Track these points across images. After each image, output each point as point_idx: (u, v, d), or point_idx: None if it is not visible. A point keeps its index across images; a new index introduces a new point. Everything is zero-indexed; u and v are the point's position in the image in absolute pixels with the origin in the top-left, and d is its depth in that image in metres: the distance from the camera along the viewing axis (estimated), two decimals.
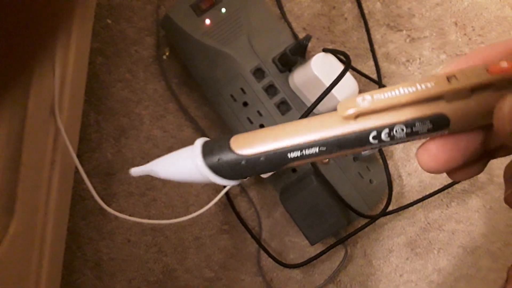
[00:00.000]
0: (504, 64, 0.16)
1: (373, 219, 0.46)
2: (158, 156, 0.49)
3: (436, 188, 0.48)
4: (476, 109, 0.17)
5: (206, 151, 0.19)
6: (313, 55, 0.42)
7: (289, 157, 0.18)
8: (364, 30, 0.49)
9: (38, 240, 0.32)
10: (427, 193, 0.48)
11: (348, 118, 0.18)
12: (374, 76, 0.49)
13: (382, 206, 0.47)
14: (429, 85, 0.17)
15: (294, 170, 0.44)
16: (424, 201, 0.48)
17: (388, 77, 0.49)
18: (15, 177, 0.28)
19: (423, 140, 0.19)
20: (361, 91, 0.46)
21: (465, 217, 0.49)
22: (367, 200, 0.45)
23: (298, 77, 0.42)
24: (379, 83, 0.48)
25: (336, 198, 0.44)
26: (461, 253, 0.49)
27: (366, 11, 0.48)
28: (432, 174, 0.49)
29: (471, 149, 0.18)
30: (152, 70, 0.46)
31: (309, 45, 0.46)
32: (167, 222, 0.41)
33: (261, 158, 0.19)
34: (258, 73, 0.43)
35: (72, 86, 0.35)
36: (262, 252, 0.47)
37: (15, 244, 0.28)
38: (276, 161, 0.19)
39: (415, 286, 0.49)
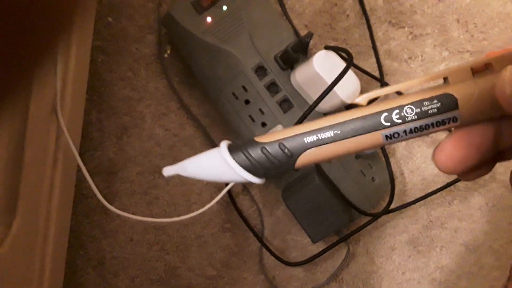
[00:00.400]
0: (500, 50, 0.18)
1: (375, 217, 0.46)
2: (160, 154, 0.49)
3: (439, 186, 0.48)
4: (480, 88, 0.18)
5: (232, 147, 0.20)
6: (315, 53, 0.41)
7: (306, 141, 0.19)
8: (366, 27, 0.48)
9: (40, 239, 0.32)
10: (430, 190, 0.48)
11: (360, 104, 0.19)
12: (376, 74, 0.48)
13: (384, 204, 0.47)
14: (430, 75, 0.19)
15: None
16: (427, 199, 0.48)
17: (390, 74, 0.49)
18: (17, 176, 0.28)
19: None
20: (363, 88, 0.46)
21: (467, 215, 0.49)
22: (369, 198, 0.45)
23: (300, 75, 0.42)
24: (381, 81, 0.48)
25: (338, 196, 0.43)
26: (464, 251, 0.49)
27: (367, 8, 0.48)
28: (435, 172, 0.49)
29: (484, 146, 0.19)
30: (154, 68, 0.46)
31: (311, 42, 0.46)
32: (170, 220, 0.41)
33: (280, 145, 0.19)
34: (260, 71, 0.43)
35: (74, 85, 0.35)
36: (264, 250, 0.47)
37: (18, 243, 0.28)
38: (294, 148, 0.19)
39: (418, 284, 0.49)
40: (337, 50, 0.42)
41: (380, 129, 0.19)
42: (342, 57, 0.43)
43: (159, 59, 0.46)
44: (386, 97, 0.20)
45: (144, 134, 0.46)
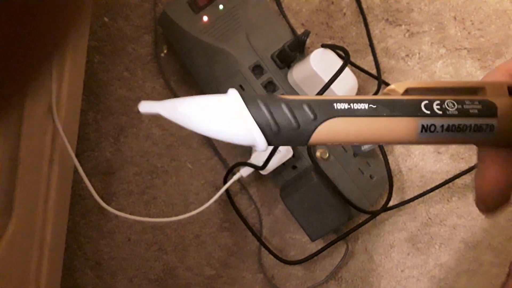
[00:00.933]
0: None
1: (374, 214, 0.46)
2: (158, 154, 0.49)
3: (437, 183, 0.48)
4: None
5: (247, 97, 0.17)
6: (312, 51, 0.41)
7: (336, 107, 0.17)
8: (362, 25, 0.48)
9: (37, 240, 0.32)
10: (428, 188, 0.48)
11: (395, 90, 0.18)
12: (374, 72, 0.48)
13: (382, 202, 0.47)
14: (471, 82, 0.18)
15: (294, 167, 0.44)
16: (425, 196, 0.48)
17: (387, 72, 0.49)
18: (12, 177, 0.28)
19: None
20: (360, 87, 0.46)
21: (466, 212, 0.49)
22: (367, 196, 0.45)
23: (297, 73, 0.42)
24: (379, 79, 0.48)
25: (336, 194, 0.43)
26: (463, 248, 0.49)
27: (364, 6, 0.48)
28: (433, 169, 0.49)
29: None
30: (150, 68, 0.46)
31: (308, 41, 0.46)
32: (167, 220, 0.41)
33: (306, 104, 0.17)
34: (257, 69, 0.43)
35: (70, 85, 0.34)
36: (263, 249, 0.47)
37: (14, 244, 0.28)
38: (321, 111, 0.17)
39: (417, 282, 0.49)
40: (334, 48, 0.42)
41: (419, 116, 0.17)
42: (339, 55, 0.42)
43: (155, 59, 0.46)
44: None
45: (141, 134, 0.46)
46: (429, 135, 0.17)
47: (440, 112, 0.17)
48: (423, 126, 0.17)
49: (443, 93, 0.18)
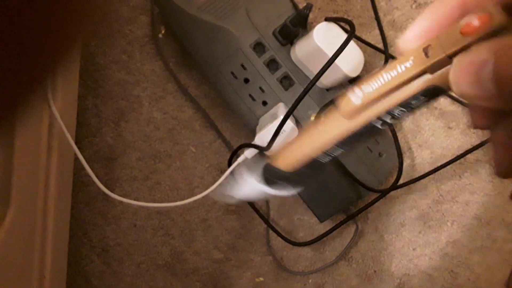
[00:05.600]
0: (475, 22, 0.15)
1: (383, 193, 0.45)
2: (160, 138, 0.48)
3: (448, 159, 0.47)
4: None
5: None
6: (315, 26, 0.40)
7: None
8: None
9: (39, 228, 0.32)
10: (439, 164, 0.47)
11: (349, 116, 0.19)
12: (380, 46, 0.47)
13: (392, 180, 0.45)
14: (408, 64, 0.17)
15: None
16: (436, 173, 0.47)
17: (394, 46, 0.47)
18: (8, 165, 0.27)
19: None
20: (366, 62, 0.44)
21: (478, 188, 0.48)
22: (376, 174, 0.44)
23: (300, 50, 0.41)
24: (385, 53, 0.46)
25: (344, 174, 0.42)
26: (476, 224, 0.48)
27: None
28: (444, 145, 0.47)
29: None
30: (148, 50, 0.45)
31: (311, 16, 0.44)
32: (173, 205, 0.41)
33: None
34: (259, 47, 0.41)
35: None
36: (271, 231, 0.46)
37: (13, 234, 0.27)
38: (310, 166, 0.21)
39: (429, 260, 0.48)
40: (338, 20, 0.40)
41: (379, 131, 0.19)
42: (344, 29, 0.41)
43: (153, 40, 0.45)
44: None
45: (142, 118, 0.45)
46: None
47: (394, 120, 0.19)
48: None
49: (390, 95, 0.18)
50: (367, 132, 0.19)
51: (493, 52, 0.14)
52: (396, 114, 0.18)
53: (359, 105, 0.19)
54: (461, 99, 0.16)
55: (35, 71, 0.12)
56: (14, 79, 0.11)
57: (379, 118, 0.19)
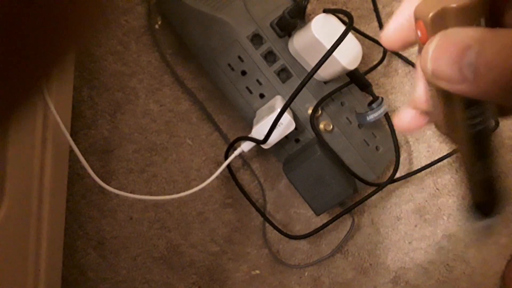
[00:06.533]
0: (419, 32, 0.16)
1: (380, 187, 0.45)
2: (156, 131, 0.48)
3: (445, 153, 0.47)
4: None
5: None
6: (314, 18, 0.39)
7: None
8: None
9: (34, 220, 0.31)
10: (436, 158, 0.47)
11: None
12: (379, 38, 0.46)
13: (389, 173, 0.45)
14: None
15: (297, 140, 0.43)
16: (433, 167, 0.47)
17: None
18: (2, 157, 0.26)
19: None
20: (365, 54, 0.44)
21: None
22: (373, 168, 0.44)
23: (298, 42, 0.40)
24: None
25: (341, 167, 0.42)
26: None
27: None
28: (441, 139, 0.47)
29: None
30: (145, 41, 0.44)
31: (309, 7, 0.44)
32: (169, 197, 0.40)
33: None
34: (256, 39, 0.41)
35: None
36: (267, 224, 0.46)
37: (8, 226, 0.27)
38: None
39: (425, 253, 0.48)
40: (336, 12, 0.39)
41: None
42: (342, 21, 0.40)
43: (149, 31, 0.44)
44: None
45: (138, 110, 0.44)
46: None
47: None
48: None
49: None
50: None
51: (478, 41, 0.14)
52: None
53: None
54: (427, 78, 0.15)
55: (30, 78, 0.11)
56: (10, 84, 0.11)
57: None
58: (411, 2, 0.17)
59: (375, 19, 0.46)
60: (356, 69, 0.40)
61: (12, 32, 0.10)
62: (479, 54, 0.14)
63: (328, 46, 0.38)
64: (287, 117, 0.39)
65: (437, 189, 0.48)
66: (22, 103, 0.12)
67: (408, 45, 0.18)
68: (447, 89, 0.15)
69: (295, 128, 0.41)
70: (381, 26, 0.46)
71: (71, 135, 0.35)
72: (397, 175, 0.45)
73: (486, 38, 0.14)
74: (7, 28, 0.09)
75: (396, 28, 0.18)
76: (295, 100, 0.38)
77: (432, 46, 0.15)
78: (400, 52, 0.47)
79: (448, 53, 0.14)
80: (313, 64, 0.40)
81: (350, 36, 0.39)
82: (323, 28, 0.39)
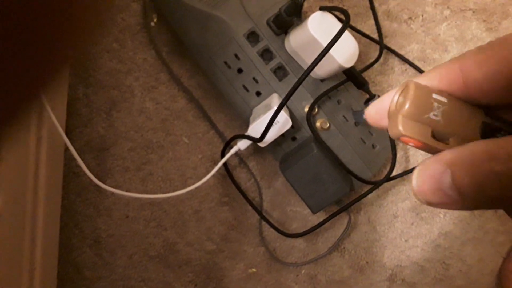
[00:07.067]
0: (411, 144, 0.17)
1: (376, 184, 0.45)
2: (152, 129, 0.48)
3: None
4: None
5: None
6: (310, 15, 0.39)
7: None
8: None
9: (29, 219, 0.31)
10: None
11: None
12: (375, 36, 0.46)
13: (386, 171, 0.45)
14: None
15: (293, 138, 0.43)
16: None
17: (390, 36, 0.47)
18: None
19: None
20: (361, 52, 0.44)
21: None
22: (370, 166, 0.44)
23: (295, 39, 0.40)
24: (381, 43, 0.46)
25: (338, 165, 0.42)
26: (468, 216, 0.48)
27: None
28: None
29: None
30: (141, 38, 0.44)
31: (306, 5, 0.43)
32: (165, 196, 0.40)
33: None
34: (252, 37, 0.40)
35: None
36: (264, 222, 0.46)
37: (3, 224, 0.27)
38: None
39: (421, 251, 0.48)
40: (333, 10, 0.39)
41: None
42: (339, 19, 0.40)
43: (145, 28, 0.44)
44: None
45: (134, 108, 0.44)
46: None
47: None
48: None
49: None
50: None
51: (448, 164, 0.15)
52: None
53: None
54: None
55: (25, 89, 0.11)
56: (3, 96, 0.11)
57: None
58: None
59: (372, 17, 0.46)
60: (352, 67, 0.40)
61: (7, 37, 0.09)
62: (454, 175, 0.15)
63: (325, 44, 0.37)
64: (283, 115, 0.39)
65: None
66: (17, 113, 0.12)
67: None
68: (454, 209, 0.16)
69: (292, 126, 0.41)
70: (377, 24, 0.46)
71: (66, 133, 0.35)
72: (394, 173, 0.45)
73: (455, 158, 0.15)
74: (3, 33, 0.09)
75: (376, 112, 0.19)
76: (291, 98, 0.37)
77: (414, 183, 0.16)
78: (397, 50, 0.47)
79: (429, 185, 0.15)
80: (309, 62, 0.40)
81: (347, 34, 0.39)
82: (319, 25, 0.39)
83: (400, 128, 0.16)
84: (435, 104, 0.16)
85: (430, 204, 0.16)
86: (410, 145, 0.17)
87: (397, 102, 0.17)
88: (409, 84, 0.16)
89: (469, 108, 0.17)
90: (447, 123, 0.16)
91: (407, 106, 0.16)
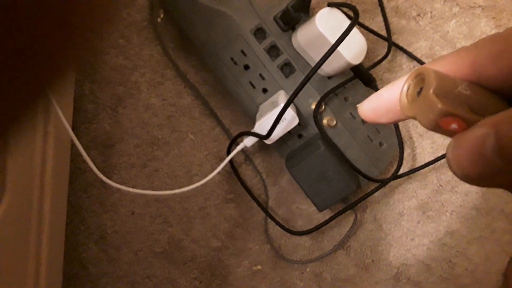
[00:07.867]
0: (454, 126, 0.14)
1: (383, 183, 0.44)
2: (158, 125, 0.47)
3: None
4: None
5: None
6: (318, 11, 0.39)
7: None
8: None
9: (35, 214, 0.31)
10: (440, 154, 0.46)
11: None
12: (384, 33, 0.46)
13: (392, 170, 0.45)
14: None
15: (300, 135, 0.42)
16: (437, 163, 0.47)
17: (398, 33, 0.46)
18: (2, 150, 0.26)
19: None
20: (369, 49, 0.43)
21: None
22: (377, 164, 0.43)
23: (302, 36, 0.40)
24: (389, 40, 0.45)
25: (344, 163, 0.42)
26: (475, 215, 0.48)
27: None
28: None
29: None
30: (147, 34, 0.44)
31: (313, 1, 0.43)
32: (171, 192, 0.40)
33: None
34: (259, 33, 0.40)
35: None
36: (269, 220, 0.46)
37: (9, 220, 0.27)
38: None
39: (427, 250, 0.48)
40: (341, 6, 0.39)
41: None
42: (347, 16, 0.40)
43: (152, 24, 0.44)
44: None
45: (140, 104, 0.44)
46: None
47: None
48: None
49: None
50: None
51: (493, 125, 0.13)
52: None
53: None
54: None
55: (32, 87, 0.11)
56: (9, 93, 0.10)
57: None
58: (394, 85, 0.18)
59: (380, 13, 0.46)
60: (360, 64, 0.40)
61: (13, 37, 0.09)
62: (499, 135, 0.13)
63: (333, 41, 0.37)
64: (290, 112, 0.39)
65: (441, 185, 0.48)
66: (24, 110, 0.12)
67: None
68: (491, 183, 0.14)
69: (298, 124, 0.40)
70: (386, 20, 0.45)
71: (73, 129, 0.35)
72: (401, 171, 0.45)
73: (500, 119, 0.13)
74: (8, 33, 0.09)
75: (370, 109, 0.19)
76: (298, 95, 0.37)
77: (451, 155, 0.14)
78: (405, 47, 0.47)
79: (469, 154, 0.14)
80: (317, 58, 0.40)
81: (355, 30, 0.38)
82: (327, 22, 0.38)
83: (439, 105, 0.14)
84: (458, 80, 0.15)
85: (466, 177, 0.14)
86: (450, 129, 0.14)
87: (407, 91, 0.15)
88: (420, 68, 0.15)
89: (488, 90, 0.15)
90: (478, 97, 0.14)
91: (433, 83, 0.14)
